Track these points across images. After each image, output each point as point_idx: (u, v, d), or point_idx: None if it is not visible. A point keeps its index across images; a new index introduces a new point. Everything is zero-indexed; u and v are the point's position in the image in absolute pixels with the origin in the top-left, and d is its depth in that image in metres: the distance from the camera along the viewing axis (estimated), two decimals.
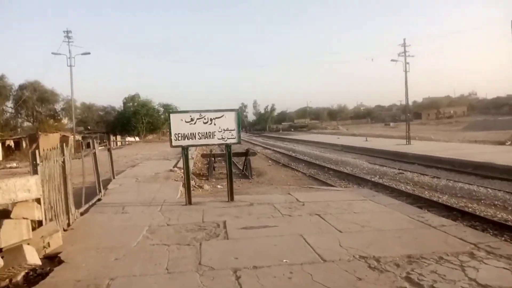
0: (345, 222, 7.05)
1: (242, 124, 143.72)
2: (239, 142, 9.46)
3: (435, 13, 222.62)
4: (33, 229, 5.87)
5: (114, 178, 14.23)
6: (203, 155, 22.55)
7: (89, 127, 63.22)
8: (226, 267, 5.01)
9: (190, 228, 7.01)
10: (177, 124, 9.04)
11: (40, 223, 6.05)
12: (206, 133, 9.07)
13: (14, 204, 5.35)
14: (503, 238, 7.48)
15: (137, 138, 62.72)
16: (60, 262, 5.40)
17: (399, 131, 49.06)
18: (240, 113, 9.35)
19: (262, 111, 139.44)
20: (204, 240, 6.25)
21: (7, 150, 40.43)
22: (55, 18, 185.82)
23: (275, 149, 38.41)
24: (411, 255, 5.25)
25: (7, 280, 4.81)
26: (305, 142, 46.98)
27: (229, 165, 9.64)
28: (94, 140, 11.71)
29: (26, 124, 51.07)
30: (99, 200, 10.24)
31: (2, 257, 4.63)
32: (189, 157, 20.89)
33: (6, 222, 4.77)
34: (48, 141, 36.06)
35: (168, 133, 9.45)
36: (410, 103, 40.99)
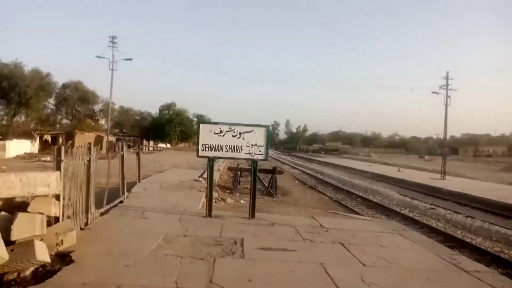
0: (371, 255, 6.59)
1: (273, 142, 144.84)
2: (266, 159, 9.20)
3: (482, 49, 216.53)
4: (49, 224, 5.82)
5: (139, 182, 14.26)
6: (229, 168, 22.43)
7: (124, 130, 64.75)
8: None
9: (207, 242, 6.76)
10: (206, 135, 8.91)
11: (57, 220, 5.98)
12: (234, 146, 8.87)
13: (33, 198, 5.30)
14: None
15: (168, 145, 63.75)
16: (71, 261, 5.27)
17: (434, 165, 47.38)
18: (270, 130, 9.11)
19: (294, 130, 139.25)
20: (219, 257, 5.98)
21: (44, 144, 41.92)
22: (102, 22, 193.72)
23: (303, 169, 37.90)
24: None
25: (15, 273, 4.70)
26: (335, 166, 46.14)
27: (254, 182, 9.38)
28: (123, 143, 11.75)
29: (64, 121, 52.77)
30: (121, 202, 10.21)
31: (12, 250, 4.54)
32: (216, 169, 20.66)
33: (20, 215, 4.69)
34: (84, 139, 36.97)
35: None
36: (448, 137, 39.58)
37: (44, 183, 5.27)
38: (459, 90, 33.55)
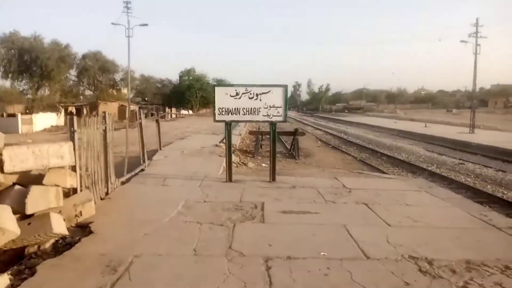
0: (396, 215, 6.35)
1: (294, 104, 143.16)
2: (285, 121, 8.89)
3: None
4: (68, 196, 5.81)
5: (160, 149, 14.28)
6: (250, 132, 22.23)
7: (146, 99, 65.16)
8: (258, 254, 4.59)
9: (227, 207, 6.66)
10: (222, 98, 8.65)
11: (75, 191, 5.97)
12: (251, 109, 8.60)
13: (48, 170, 5.24)
14: None
15: (190, 112, 63.91)
16: (90, 232, 5.26)
17: (462, 119, 45.91)
18: (287, 90, 8.73)
19: (317, 90, 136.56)
20: (239, 222, 5.87)
21: (69, 116, 42.60)
22: None
23: (326, 130, 37.37)
24: (471, 260, 4.52)
25: (36, 246, 4.72)
26: (359, 124, 45.29)
27: (273, 144, 9.15)
28: (141, 110, 11.64)
29: (87, 92, 53.43)
30: (142, 170, 10.22)
31: (29, 224, 4.52)
32: (237, 133, 20.61)
33: (33, 188, 4.63)
34: (107, 109, 37.34)
35: None
36: (477, 89, 37.90)
37: (57, 154, 5.18)
38: (488, 38, 31.72)
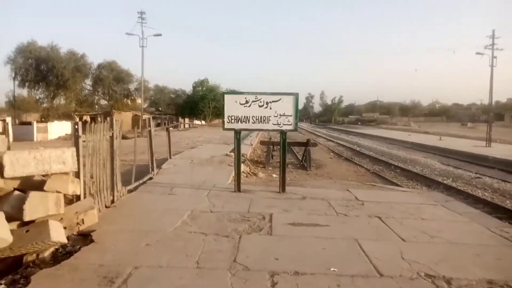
0: (411, 230, 6.04)
1: (307, 115, 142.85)
2: (295, 130, 8.67)
3: None
4: (71, 203, 5.66)
5: (170, 158, 14.17)
6: (261, 142, 22.06)
7: (160, 109, 65.69)
8: (263, 268, 4.34)
9: (233, 218, 6.43)
10: (231, 106, 8.46)
11: (78, 198, 5.82)
12: (261, 117, 8.40)
13: (50, 176, 5.10)
14: None
15: (203, 122, 64.14)
16: (91, 241, 5.08)
17: (477, 132, 45.05)
18: (298, 98, 8.51)
19: (329, 102, 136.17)
20: (245, 233, 5.63)
21: (83, 125, 43.01)
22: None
23: (338, 141, 36.96)
24: (493, 280, 4.20)
25: (34, 255, 4.55)
26: (372, 137, 44.75)
27: (283, 154, 8.91)
28: (151, 119, 11.56)
29: (102, 102, 54.06)
30: (150, 179, 10.07)
31: (27, 231, 4.36)
32: (248, 143, 20.40)
33: (32, 194, 4.47)
34: (121, 118, 37.59)
35: None
36: (493, 102, 37.15)
37: (59, 160, 5.04)
38: (505, 50, 31.15)
